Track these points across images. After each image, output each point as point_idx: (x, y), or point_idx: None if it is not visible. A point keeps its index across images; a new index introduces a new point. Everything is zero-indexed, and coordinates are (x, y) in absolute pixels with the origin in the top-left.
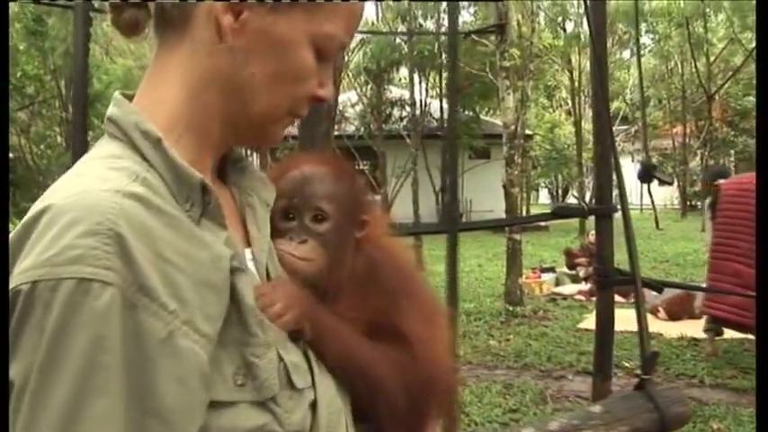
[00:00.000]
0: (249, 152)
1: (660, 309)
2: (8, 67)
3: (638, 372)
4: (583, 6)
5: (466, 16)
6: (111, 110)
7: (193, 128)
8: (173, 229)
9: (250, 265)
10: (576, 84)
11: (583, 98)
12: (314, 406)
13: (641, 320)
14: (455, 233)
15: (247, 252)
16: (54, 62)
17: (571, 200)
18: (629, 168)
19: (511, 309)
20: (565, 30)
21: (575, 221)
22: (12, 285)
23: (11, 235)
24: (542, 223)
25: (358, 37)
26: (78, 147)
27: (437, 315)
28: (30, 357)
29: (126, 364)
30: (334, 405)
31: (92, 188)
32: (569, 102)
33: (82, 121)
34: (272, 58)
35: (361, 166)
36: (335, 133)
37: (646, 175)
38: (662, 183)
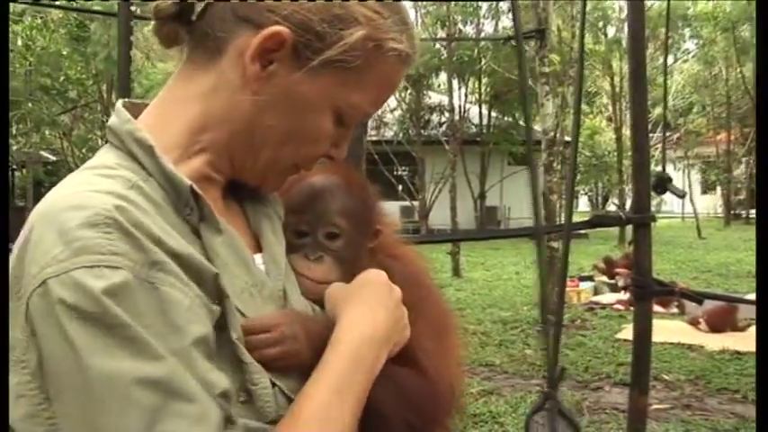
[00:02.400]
0: None
1: (701, 320)
2: (8, 67)
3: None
4: (626, 11)
5: (505, 21)
6: (112, 119)
7: (205, 153)
8: (165, 234)
9: (261, 268)
10: (617, 89)
11: (624, 104)
12: None
13: (558, 331)
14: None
15: (257, 257)
16: (96, 67)
17: (612, 207)
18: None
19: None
20: (606, 35)
21: (615, 229)
22: (27, 296)
23: (19, 242)
24: (581, 231)
25: None
26: None
27: (448, 327)
28: (62, 355)
29: (158, 335)
30: None
31: (82, 190)
32: (610, 108)
33: None
34: (289, 117)
35: (399, 172)
36: (374, 138)
37: (659, 186)
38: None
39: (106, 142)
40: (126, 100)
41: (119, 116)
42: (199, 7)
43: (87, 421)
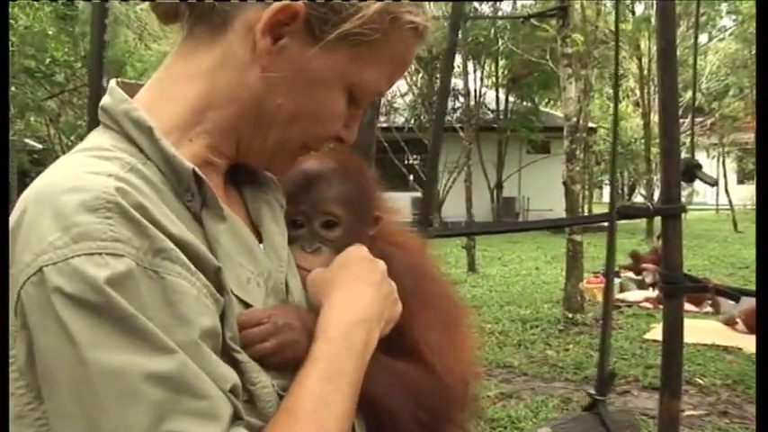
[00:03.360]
0: None
1: (738, 320)
2: (8, 68)
3: (592, 391)
4: None
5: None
6: (104, 99)
7: (207, 135)
8: (169, 220)
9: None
10: (646, 72)
11: (652, 87)
12: None
13: (605, 333)
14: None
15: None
16: (85, 48)
17: (638, 198)
18: (704, 165)
19: (570, 316)
20: (633, 12)
21: (642, 222)
22: (18, 286)
23: (9, 229)
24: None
25: None
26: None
27: (457, 319)
28: (60, 349)
29: (164, 327)
30: None
31: (79, 171)
32: (637, 92)
33: (95, 115)
34: (300, 94)
35: (410, 161)
36: (383, 125)
37: (688, 173)
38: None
39: (96, 124)
40: (119, 80)
41: (113, 95)
42: None
43: (86, 420)
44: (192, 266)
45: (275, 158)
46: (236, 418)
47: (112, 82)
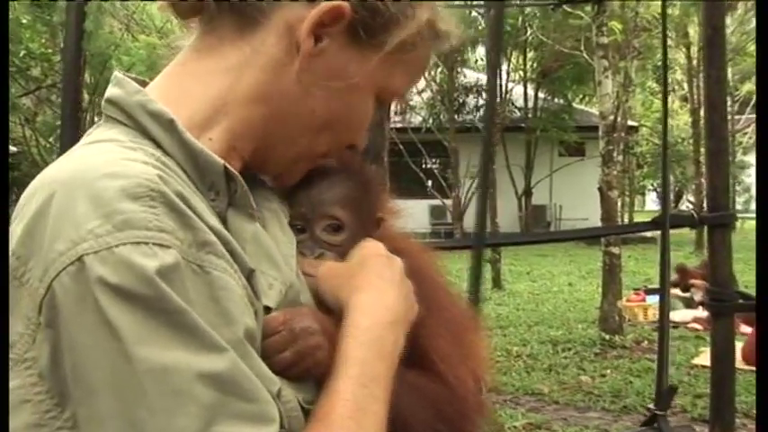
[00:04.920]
0: None
1: None
2: (8, 68)
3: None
4: None
5: None
6: (112, 90)
7: (229, 135)
8: (206, 213)
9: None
10: (695, 62)
11: (702, 80)
12: None
13: (662, 344)
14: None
15: None
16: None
17: (686, 206)
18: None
19: (607, 338)
20: None
21: (690, 232)
22: (49, 277)
23: (27, 219)
24: (648, 234)
25: None
26: (69, 142)
27: (465, 327)
28: (101, 346)
29: (212, 324)
30: None
31: (113, 157)
32: (685, 85)
33: (72, 114)
34: (336, 100)
35: (428, 165)
36: (398, 125)
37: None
38: None
39: (73, 125)
40: (122, 72)
41: (123, 87)
42: None
43: (127, 423)
44: (235, 265)
45: (295, 166)
46: (281, 426)
47: (117, 73)
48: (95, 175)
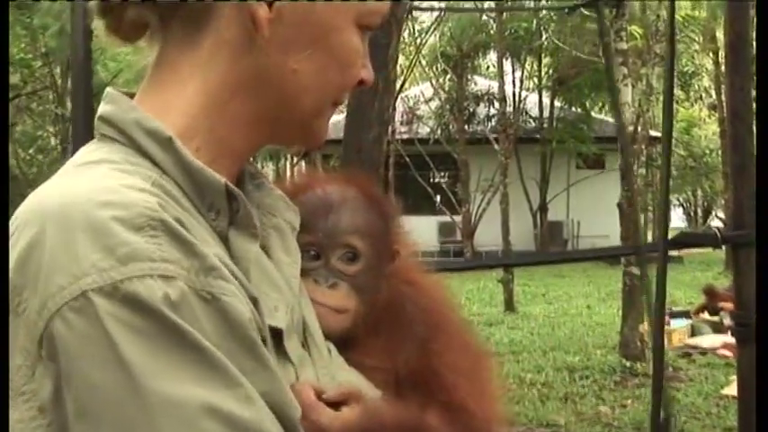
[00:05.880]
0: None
1: None
2: (8, 68)
3: None
4: None
5: None
6: (105, 107)
7: (215, 140)
8: (202, 238)
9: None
10: (723, 68)
11: (725, 89)
12: None
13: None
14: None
15: None
16: (46, 44)
17: (715, 222)
18: None
19: (628, 365)
20: None
21: (720, 252)
22: (49, 312)
23: (20, 246)
24: (674, 252)
25: (433, 14)
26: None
27: (479, 366)
28: (111, 381)
29: (229, 353)
30: None
31: (109, 184)
32: (713, 93)
33: (85, 121)
34: (314, 49)
35: (436, 179)
36: (405, 136)
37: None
38: None
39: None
40: (116, 88)
41: (117, 103)
42: None
43: None
44: (242, 289)
45: (311, 127)
46: None
47: (110, 90)
48: (93, 204)
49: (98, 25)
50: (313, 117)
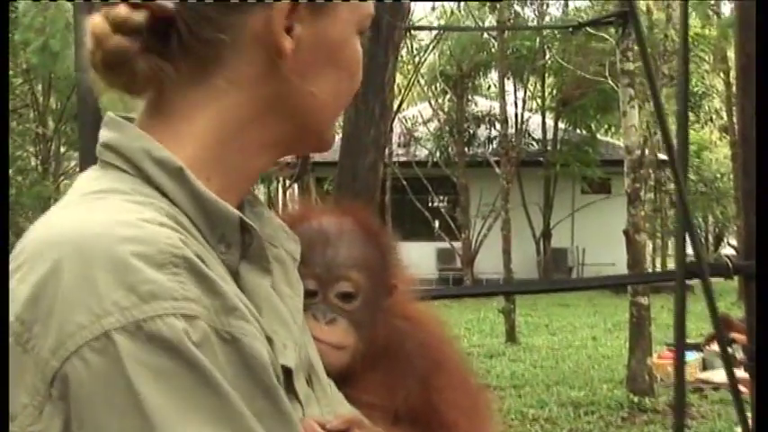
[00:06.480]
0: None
1: None
2: (8, 69)
3: None
4: None
5: (578, 2)
6: (109, 134)
7: (227, 167)
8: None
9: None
10: (734, 89)
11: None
12: None
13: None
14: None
15: None
16: (27, 59)
17: (727, 250)
18: None
19: (636, 400)
20: (718, 14)
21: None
22: (61, 358)
23: (31, 282)
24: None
25: (433, 32)
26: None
27: (481, 398)
28: (130, 427)
29: (247, 397)
30: None
31: (130, 219)
32: (724, 114)
33: (91, 140)
34: (330, 68)
35: (435, 203)
36: (402, 158)
37: None
38: None
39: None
40: (117, 113)
41: (123, 131)
42: (187, 12)
43: None
44: (261, 329)
45: (325, 136)
46: None
47: (112, 115)
48: (114, 239)
49: (100, 82)
50: (328, 127)
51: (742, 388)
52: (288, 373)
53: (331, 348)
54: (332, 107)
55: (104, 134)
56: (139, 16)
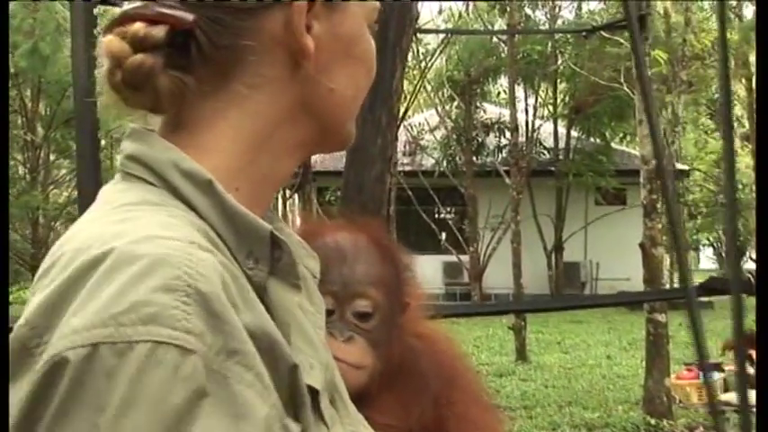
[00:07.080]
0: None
1: None
2: (8, 69)
3: None
4: None
5: (592, 4)
6: (134, 146)
7: (255, 176)
8: (242, 301)
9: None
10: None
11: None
12: None
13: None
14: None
15: None
16: (16, 64)
17: (749, 264)
18: None
19: (653, 422)
20: (740, 17)
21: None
22: (55, 350)
23: (51, 289)
24: (703, 298)
25: (440, 36)
26: (88, 187)
27: (494, 417)
28: None
29: None
30: None
31: (157, 234)
32: (746, 122)
33: (92, 152)
34: (348, 63)
35: (442, 214)
36: (407, 168)
37: None
38: None
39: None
40: (140, 125)
41: (150, 143)
42: (209, 26)
43: None
44: (268, 380)
45: (346, 131)
46: None
47: (136, 126)
48: (135, 255)
49: (119, 104)
50: (350, 123)
51: None
52: (314, 393)
53: (350, 368)
54: (352, 102)
55: (129, 146)
56: (159, 31)
